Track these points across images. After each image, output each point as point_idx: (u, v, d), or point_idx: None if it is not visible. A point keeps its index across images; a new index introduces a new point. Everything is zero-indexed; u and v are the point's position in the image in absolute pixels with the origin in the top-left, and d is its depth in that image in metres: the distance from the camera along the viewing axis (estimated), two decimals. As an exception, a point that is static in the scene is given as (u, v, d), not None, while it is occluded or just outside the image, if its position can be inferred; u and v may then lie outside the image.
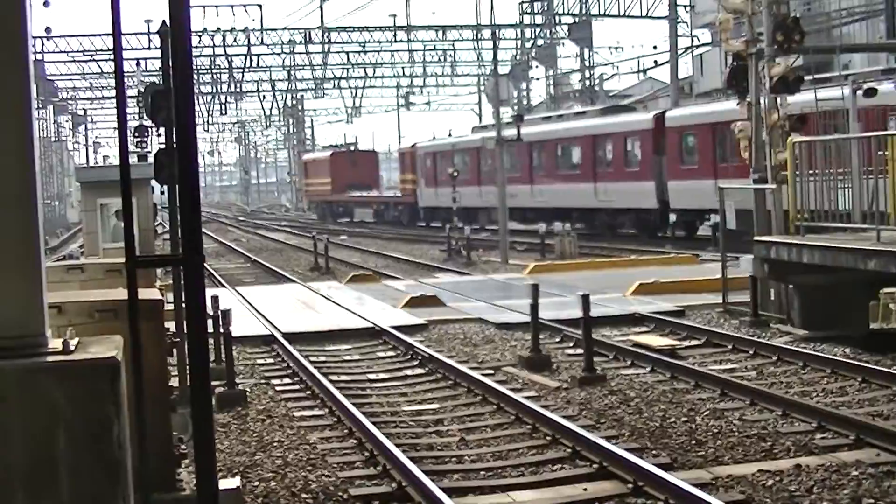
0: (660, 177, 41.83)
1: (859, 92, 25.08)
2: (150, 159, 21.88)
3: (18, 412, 5.34)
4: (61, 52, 69.66)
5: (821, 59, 38.76)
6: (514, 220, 51.20)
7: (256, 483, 10.80)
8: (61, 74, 77.62)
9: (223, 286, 30.68)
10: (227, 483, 7.56)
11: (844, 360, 15.37)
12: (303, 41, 72.70)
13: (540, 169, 51.63)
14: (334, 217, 79.55)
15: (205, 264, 5.59)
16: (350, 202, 78.38)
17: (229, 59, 75.06)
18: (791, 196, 19.02)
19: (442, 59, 78.78)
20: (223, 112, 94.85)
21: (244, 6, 66.18)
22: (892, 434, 11.10)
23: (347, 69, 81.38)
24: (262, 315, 22.52)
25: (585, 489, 10.19)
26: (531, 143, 49.86)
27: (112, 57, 5.57)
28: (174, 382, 11.00)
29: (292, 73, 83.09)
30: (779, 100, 20.33)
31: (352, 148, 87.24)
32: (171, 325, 11.16)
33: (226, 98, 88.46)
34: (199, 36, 67.04)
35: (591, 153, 47.01)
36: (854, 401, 13.30)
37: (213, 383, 13.27)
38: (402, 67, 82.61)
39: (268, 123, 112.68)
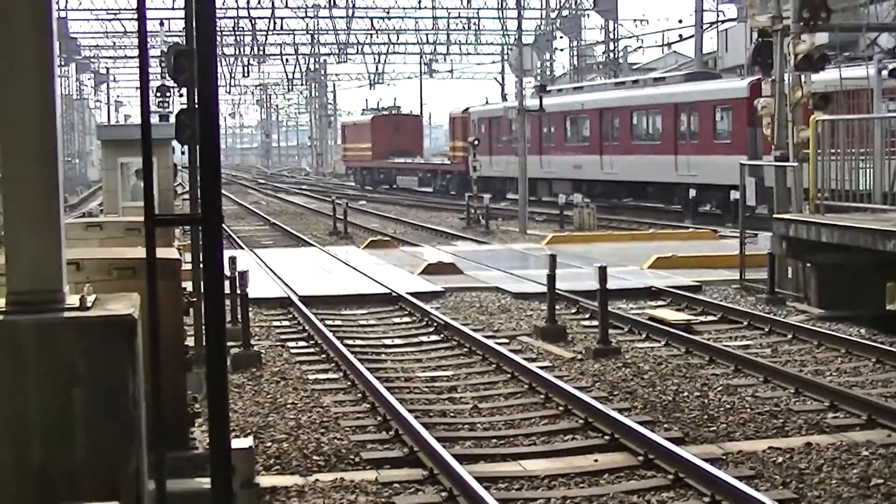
0: (754, 150, 36.52)
1: (884, 72, 24.98)
2: (172, 119, 21.91)
3: (35, 368, 5.36)
4: (85, 9, 69.78)
5: (846, 38, 38.46)
6: (578, 193, 48.36)
7: (269, 444, 10.87)
8: (84, 32, 77.77)
9: (241, 248, 30.74)
10: (240, 443, 7.59)
11: (859, 340, 15.37)
12: (327, 5, 72.74)
13: (611, 139, 47.21)
14: (374, 184, 75.37)
15: (223, 225, 5.61)
16: (392, 169, 73.91)
17: (253, 21, 75.16)
18: (812, 174, 18.97)
19: (466, 26, 78.65)
20: (245, 74, 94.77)
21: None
22: (904, 415, 11.11)
23: (371, 34, 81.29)
24: (280, 277, 22.58)
25: (596, 460, 10.23)
26: (601, 111, 47.20)
27: (136, 16, 5.56)
28: (190, 342, 11.04)
29: (316, 37, 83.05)
30: (803, 77, 20.25)
31: (394, 112, 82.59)
32: (188, 285, 11.21)
33: (248, 60, 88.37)
34: (224, -3, 67.06)
35: (673, 123, 42.68)
36: (867, 381, 13.29)
37: (229, 344, 13.33)
38: (426, 34, 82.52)
39: (290, 87, 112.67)
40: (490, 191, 52.63)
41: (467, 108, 63.35)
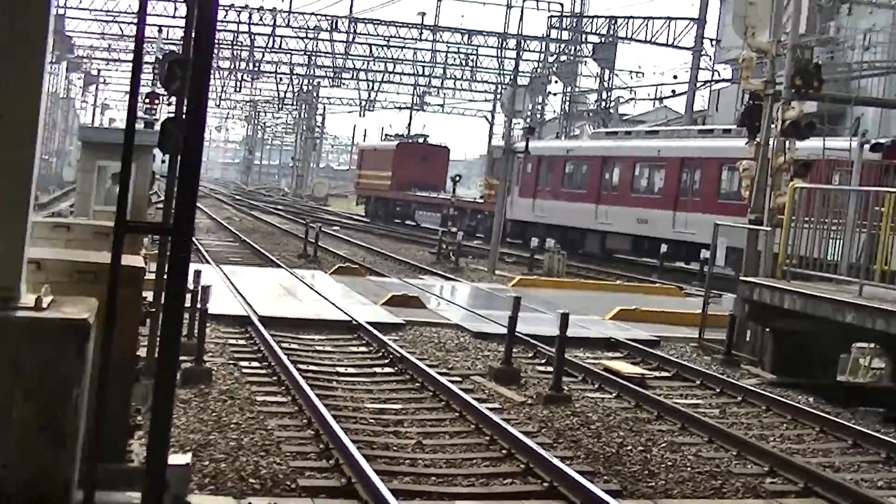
0: None
1: (866, 145, 25.21)
2: (157, 127, 21.92)
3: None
4: (83, 9, 69.49)
5: (834, 109, 38.69)
6: (635, 254, 44.90)
7: (207, 462, 10.78)
8: (81, 32, 77.42)
9: (208, 262, 30.64)
10: (177, 459, 7.59)
11: (806, 408, 15.49)
12: (328, 28, 72.70)
13: (689, 192, 41.65)
14: (389, 218, 69.05)
15: (193, 238, 5.63)
16: (413, 202, 67.42)
17: (252, 37, 75.06)
18: (783, 240, 19.16)
19: (463, 63, 78.68)
20: (238, 89, 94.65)
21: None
22: (839, 486, 11.22)
23: (368, 61, 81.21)
24: (242, 296, 22.54)
25: (531, 507, 10.29)
26: (682, 160, 42.25)
27: (135, 20, 5.67)
28: (142, 352, 11.06)
29: (313, 59, 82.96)
30: (787, 143, 20.50)
31: (420, 140, 75.92)
32: (148, 295, 11.23)
33: (242, 76, 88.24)
34: (226, 10, 66.96)
35: None
36: (808, 449, 13.43)
37: (181, 358, 13.35)
38: (423, 66, 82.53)
39: (280, 106, 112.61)
40: (527, 237, 46.60)
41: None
